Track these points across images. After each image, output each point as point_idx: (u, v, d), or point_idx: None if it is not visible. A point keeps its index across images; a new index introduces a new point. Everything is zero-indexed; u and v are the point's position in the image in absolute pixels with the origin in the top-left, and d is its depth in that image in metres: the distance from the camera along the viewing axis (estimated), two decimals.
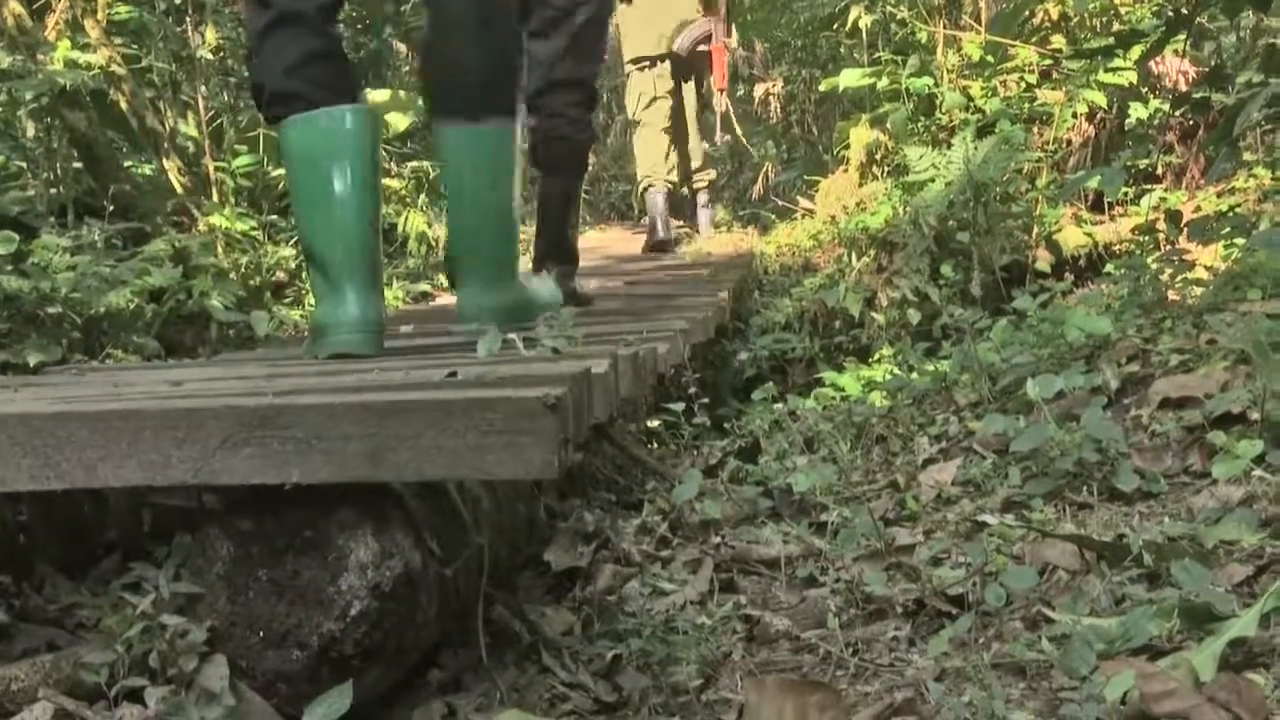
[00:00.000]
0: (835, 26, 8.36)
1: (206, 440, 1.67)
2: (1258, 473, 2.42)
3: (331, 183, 3.07)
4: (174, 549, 1.89)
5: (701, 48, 8.34)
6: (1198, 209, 6.48)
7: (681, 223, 9.14)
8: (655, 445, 3.33)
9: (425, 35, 3.62)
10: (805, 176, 8.77)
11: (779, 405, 6.13)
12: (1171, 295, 4.16)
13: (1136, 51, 7.03)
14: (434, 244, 7.62)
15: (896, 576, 2.35)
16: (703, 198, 9.12)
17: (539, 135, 4.62)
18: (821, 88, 8.44)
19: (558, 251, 4.72)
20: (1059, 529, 2.41)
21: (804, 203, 8.01)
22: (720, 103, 8.46)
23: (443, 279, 7.30)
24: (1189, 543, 2.24)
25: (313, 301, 3.44)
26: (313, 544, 1.73)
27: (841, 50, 9.38)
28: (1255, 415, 2.68)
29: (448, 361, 2.84)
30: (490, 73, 3.42)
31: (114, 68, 6.67)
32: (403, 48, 10.75)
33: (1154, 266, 6.54)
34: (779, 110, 11.65)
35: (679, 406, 3.26)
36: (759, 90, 11.93)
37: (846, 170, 7.86)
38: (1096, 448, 2.66)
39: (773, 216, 8.24)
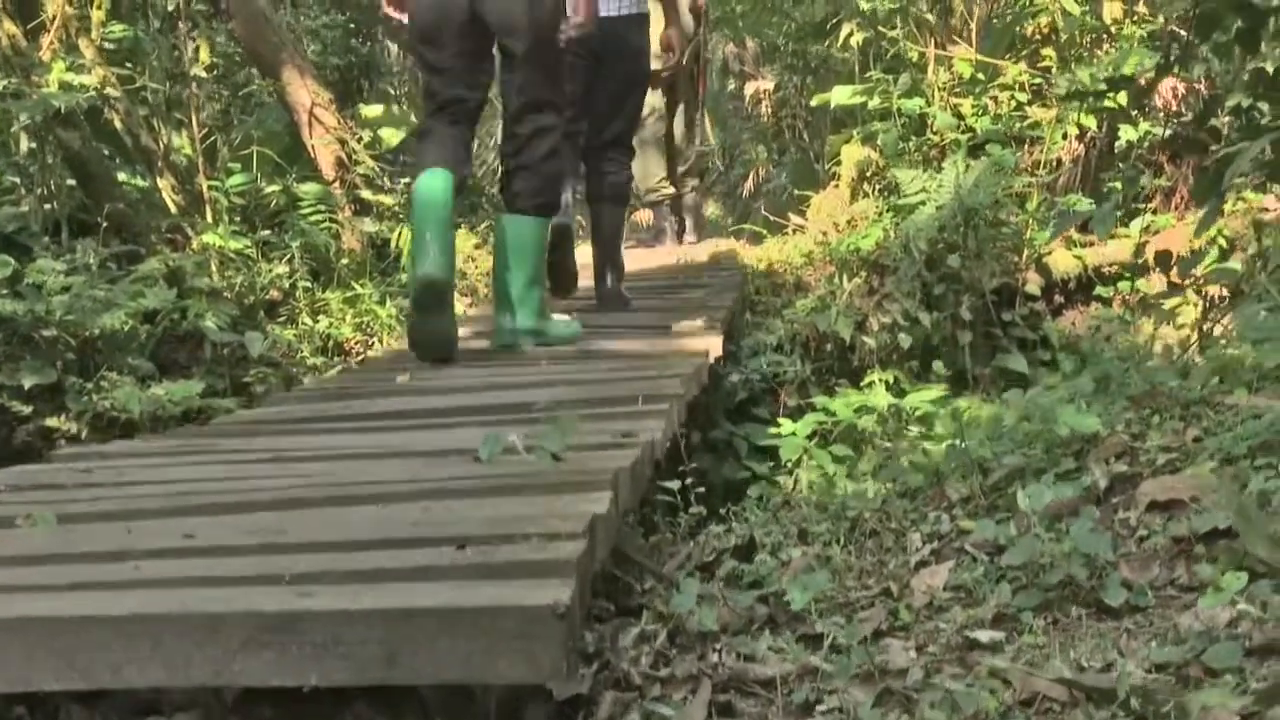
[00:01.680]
0: (827, 44, 8.37)
1: (227, 643, 1.73)
2: (1241, 605, 2.49)
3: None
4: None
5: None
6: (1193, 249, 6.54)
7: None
8: (650, 533, 3.38)
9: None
10: (796, 191, 8.81)
11: (773, 430, 6.22)
12: (1158, 348, 4.23)
13: (1128, 73, 7.09)
14: None
15: (890, 705, 2.41)
16: (690, 200, 9.18)
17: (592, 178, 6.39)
18: (813, 103, 8.46)
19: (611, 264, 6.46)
20: (1049, 658, 2.47)
21: (795, 219, 8.06)
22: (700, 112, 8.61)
23: None
24: (1175, 679, 2.30)
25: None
26: None
27: (833, 54, 9.42)
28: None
29: (454, 448, 2.91)
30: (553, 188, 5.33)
31: (109, 89, 6.69)
32: (393, 48, 10.75)
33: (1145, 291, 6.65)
34: (770, 110, 11.68)
35: (675, 484, 3.31)
36: (750, 89, 11.97)
37: (838, 186, 7.91)
38: (1084, 562, 2.72)
39: (763, 232, 8.28)
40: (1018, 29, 8.04)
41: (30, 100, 6.48)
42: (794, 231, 7.96)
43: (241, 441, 3.41)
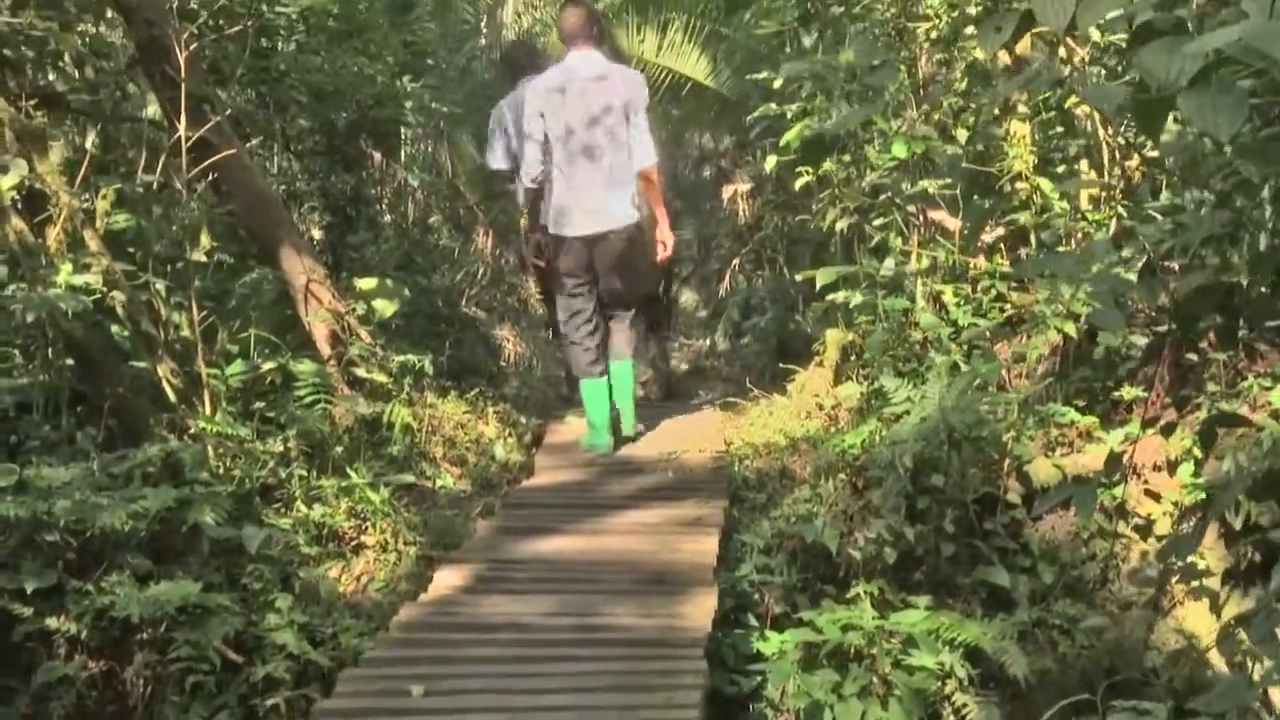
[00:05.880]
0: (814, 226, 8.54)
1: None
2: None
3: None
4: None
5: None
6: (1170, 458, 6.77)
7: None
8: None
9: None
10: (782, 364, 8.97)
11: (759, 643, 6.40)
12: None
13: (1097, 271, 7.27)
14: (416, 434, 7.80)
15: None
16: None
17: None
18: (799, 277, 8.63)
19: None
20: None
21: (778, 399, 8.26)
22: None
23: (425, 467, 7.60)
24: None
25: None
26: None
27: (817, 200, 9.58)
28: None
29: None
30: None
31: (114, 293, 6.76)
32: (376, 156, 10.78)
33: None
34: (747, 212, 11.80)
35: None
36: (727, 191, 12.13)
37: (821, 364, 8.11)
38: None
39: (742, 402, 8.50)
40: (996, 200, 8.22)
41: (36, 299, 6.56)
42: (774, 406, 8.17)
43: None
